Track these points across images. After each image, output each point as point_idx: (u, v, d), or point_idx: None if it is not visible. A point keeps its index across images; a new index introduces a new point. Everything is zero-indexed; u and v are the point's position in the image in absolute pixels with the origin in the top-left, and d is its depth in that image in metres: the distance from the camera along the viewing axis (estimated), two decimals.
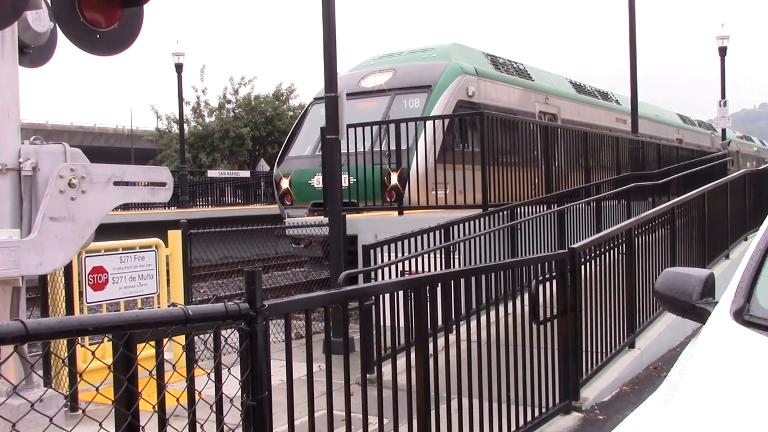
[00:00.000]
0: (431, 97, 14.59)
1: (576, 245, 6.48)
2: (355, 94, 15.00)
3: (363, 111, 14.49)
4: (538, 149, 13.73)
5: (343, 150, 13.24)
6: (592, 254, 6.92)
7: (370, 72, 16.17)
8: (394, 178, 12.87)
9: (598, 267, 6.98)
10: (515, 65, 18.95)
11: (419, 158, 13.23)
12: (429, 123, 13.27)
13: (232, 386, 2.73)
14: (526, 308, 5.80)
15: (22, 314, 4.95)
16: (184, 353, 2.61)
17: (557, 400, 6.09)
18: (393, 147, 13.11)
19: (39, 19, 5.90)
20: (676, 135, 29.52)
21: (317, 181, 14.80)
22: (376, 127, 13.31)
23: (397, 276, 7.70)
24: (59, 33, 5.81)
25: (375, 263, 7.89)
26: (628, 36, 19.46)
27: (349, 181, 12.80)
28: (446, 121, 13.81)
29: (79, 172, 5.05)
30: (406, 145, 12.92)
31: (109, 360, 2.42)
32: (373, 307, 4.50)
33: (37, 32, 5.96)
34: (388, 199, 12.71)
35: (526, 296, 5.82)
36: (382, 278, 7.59)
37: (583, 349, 6.47)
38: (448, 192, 12.70)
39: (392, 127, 12.83)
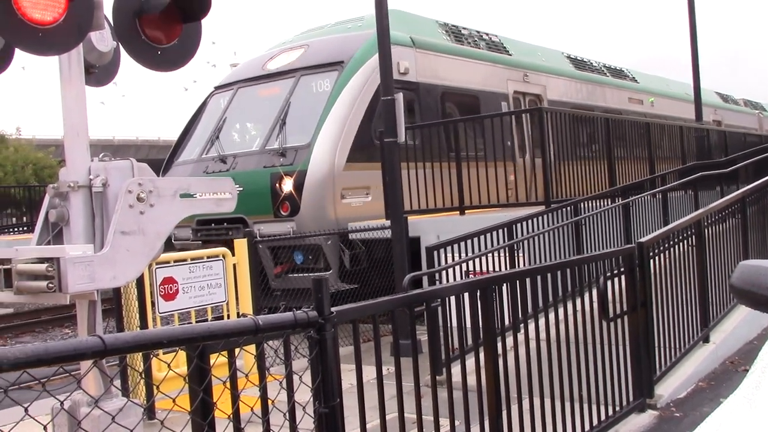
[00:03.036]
0: (341, 75, 11.73)
1: (644, 239, 6.34)
2: (258, 79, 12.89)
3: (264, 99, 12.40)
4: (600, 142, 12.75)
5: (227, 150, 11.94)
6: (661, 248, 6.76)
7: (280, 51, 13.39)
8: (288, 185, 10.79)
9: (667, 260, 6.82)
10: (485, 37, 16.04)
11: (318, 156, 10.89)
12: (336, 109, 11.08)
13: (303, 391, 2.76)
14: (595, 305, 5.70)
15: (99, 327, 5.09)
16: (255, 361, 2.64)
17: (631, 398, 5.97)
18: (287, 143, 11.17)
19: (102, 39, 6.06)
20: (712, 116, 25.13)
21: (203, 193, 13.29)
22: (269, 119, 11.56)
23: (461, 276, 7.66)
24: (122, 51, 5.97)
25: (438, 264, 7.87)
26: (688, 15, 18.44)
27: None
28: (362, 103, 11.40)
29: (146, 186, 5.17)
30: (308, 138, 10.94)
31: (183, 368, 2.47)
32: (440, 308, 4.49)
33: (101, 52, 6.12)
34: (283, 213, 10.78)
35: (593, 293, 5.72)
36: (446, 279, 7.56)
37: (656, 344, 6.33)
38: (369, 199, 11.18)
39: (290, 112, 11.05)
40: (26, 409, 1.83)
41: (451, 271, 7.66)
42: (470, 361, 4.53)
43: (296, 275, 10.66)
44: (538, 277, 5.13)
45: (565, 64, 18.56)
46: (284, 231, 10.68)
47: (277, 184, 10.86)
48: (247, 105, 12.88)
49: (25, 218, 23.15)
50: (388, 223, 9.74)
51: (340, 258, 10.54)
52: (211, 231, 11.46)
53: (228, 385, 2.48)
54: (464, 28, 15.66)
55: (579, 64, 19.42)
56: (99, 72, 6.53)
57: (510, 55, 16.14)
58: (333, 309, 2.68)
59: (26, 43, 4.95)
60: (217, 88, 13.85)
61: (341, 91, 11.52)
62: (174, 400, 2.16)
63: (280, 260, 10.72)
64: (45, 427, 1.94)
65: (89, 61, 5.79)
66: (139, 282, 6.33)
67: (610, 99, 19.32)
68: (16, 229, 21.69)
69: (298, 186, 10.66)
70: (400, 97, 8.88)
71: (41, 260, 4.87)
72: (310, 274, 10.14)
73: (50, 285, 4.74)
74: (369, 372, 3.63)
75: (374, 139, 11.19)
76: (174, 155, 13.49)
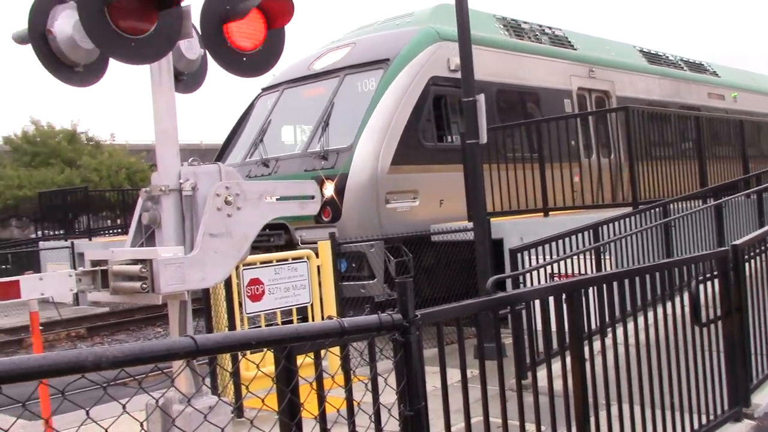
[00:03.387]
0: (386, 74, 11.07)
1: (738, 242, 6.10)
2: (304, 79, 12.38)
3: (309, 100, 11.91)
4: (690, 140, 12.14)
5: (270, 153, 11.61)
6: (757, 250, 6.49)
7: (327, 50, 12.87)
8: (330, 189, 10.30)
9: (763, 264, 6.54)
10: (547, 32, 15.15)
11: (359, 158, 10.33)
12: (379, 109, 10.44)
13: (388, 392, 2.76)
14: (686, 309, 5.52)
15: (189, 327, 5.24)
16: (341, 363, 2.67)
17: (725, 407, 5.74)
18: (329, 145, 10.59)
19: (191, 47, 6.24)
20: None
21: None
22: (313, 121, 11.04)
23: (545, 279, 7.54)
24: (209, 58, 6.13)
25: (522, 266, 7.77)
26: None
27: None
28: (408, 102, 10.71)
29: (233, 189, 5.29)
30: (351, 140, 10.39)
31: (270, 367, 2.52)
32: (524, 311, 4.43)
33: (189, 60, 6.31)
34: (324, 218, 10.22)
35: (684, 297, 5.54)
36: (531, 282, 7.46)
37: (752, 351, 6.07)
38: (417, 204, 10.63)
39: (333, 113, 10.50)
40: (124, 407, 1.89)
41: (534, 273, 7.55)
42: (556, 365, 4.45)
43: (341, 284, 10.36)
44: (626, 281, 5.00)
45: (637, 59, 17.66)
46: (322, 237, 10.46)
47: (323, 187, 10.40)
48: (292, 106, 12.48)
49: (119, 220, 24.06)
50: (469, 224, 9.69)
51: (386, 265, 9.97)
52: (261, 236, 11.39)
53: (314, 386, 2.51)
54: (525, 23, 14.96)
55: (653, 58, 18.46)
56: (188, 79, 6.72)
57: (574, 49, 15.40)
58: (417, 312, 2.68)
59: (120, 52, 5.14)
60: (264, 89, 13.45)
61: (385, 90, 10.91)
62: (263, 401, 2.20)
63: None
64: (142, 424, 2.00)
65: (178, 69, 5.97)
66: (227, 283, 6.48)
67: (687, 94, 18.37)
68: (110, 231, 22.55)
69: (340, 190, 10.18)
70: (481, 98, 8.82)
71: (135, 262, 5.05)
72: (355, 283, 9.89)
73: (144, 286, 4.91)
74: (452, 374, 3.61)
75: (422, 141, 10.89)
76: (219, 159, 12.72)
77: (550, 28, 15.65)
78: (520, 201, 11.08)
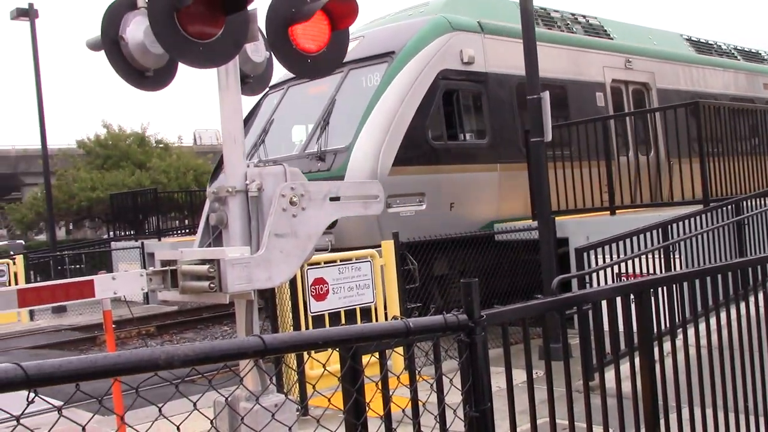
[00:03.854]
0: (390, 67, 10.33)
1: None
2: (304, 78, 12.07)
3: (312, 97, 11.21)
4: (763, 135, 11.48)
5: (270, 155, 10.78)
6: None
7: None
8: None
9: None
10: (581, 20, 14.14)
11: (357, 159, 9.61)
12: (381, 105, 9.72)
13: (453, 392, 2.76)
14: (761, 310, 5.35)
15: (256, 325, 5.33)
16: (405, 362, 2.68)
17: None
18: (327, 145, 9.92)
19: (257, 50, 6.35)
20: None
21: None
22: (314, 119, 10.29)
23: (612, 279, 7.41)
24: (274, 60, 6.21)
25: (588, 266, 7.65)
26: None
27: None
28: (414, 98, 9.95)
29: (298, 190, 5.36)
30: (349, 139, 9.72)
31: (334, 366, 2.54)
32: (590, 311, 4.37)
33: (255, 62, 6.42)
34: None
35: (759, 297, 5.37)
36: (597, 282, 7.34)
37: None
38: (424, 207, 9.83)
39: (334, 111, 9.76)
40: (195, 404, 1.94)
41: (601, 273, 7.43)
42: (624, 367, 4.37)
43: None
44: (697, 281, 4.88)
45: (682, 48, 16.69)
46: (323, 245, 9.64)
47: None
48: (295, 104, 11.89)
49: (186, 221, 24.60)
50: (534, 223, 9.58)
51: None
52: None
53: (379, 385, 2.52)
54: (555, 11, 14.09)
55: (702, 47, 17.49)
56: (253, 81, 6.84)
57: (610, 39, 14.47)
58: (483, 312, 2.67)
59: (188, 57, 5.26)
60: (271, 87, 12.55)
61: (388, 85, 10.13)
62: (329, 400, 2.22)
63: None
64: (212, 422, 2.04)
65: (244, 72, 6.08)
66: (292, 283, 6.56)
67: (741, 85, 17.23)
68: (179, 232, 23.06)
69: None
70: (546, 95, 8.71)
71: (203, 262, 5.17)
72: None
73: (211, 285, 5.02)
74: (517, 375, 3.58)
75: (430, 139, 10.13)
76: (221, 161, 12.83)
77: (584, 17, 14.76)
78: (586, 199, 10.91)
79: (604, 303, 4.24)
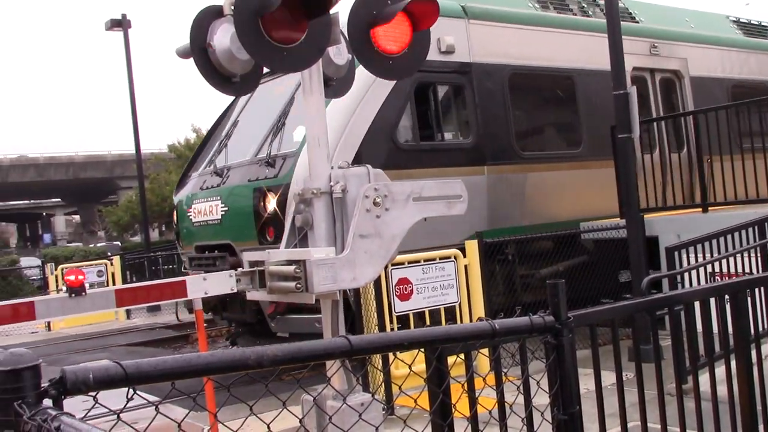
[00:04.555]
0: (351, 60, 9.44)
1: None
2: (273, 74, 10.43)
3: (276, 96, 10.16)
4: None
5: (230, 160, 9.88)
6: None
7: None
8: (272, 203, 8.46)
9: None
10: (600, 3, 11.95)
11: (304, 165, 8.73)
12: (336, 102, 8.32)
13: (540, 394, 2.73)
14: None
15: (341, 325, 5.39)
16: (490, 363, 2.66)
17: None
18: (278, 149, 8.94)
19: (339, 53, 6.42)
20: None
21: (198, 213, 9.86)
22: (272, 120, 9.39)
23: (706, 279, 7.17)
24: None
25: (679, 266, 7.42)
26: None
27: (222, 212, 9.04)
28: (377, 94, 8.77)
29: (382, 191, 5.40)
30: (299, 143, 8.59)
31: (420, 366, 2.55)
32: (683, 312, 4.23)
33: (338, 65, 6.50)
34: (268, 238, 8.52)
35: None
36: (689, 282, 7.11)
37: None
38: (389, 219, 8.64)
39: (292, 111, 8.78)
40: (284, 403, 1.98)
41: (694, 273, 7.19)
42: (719, 370, 4.22)
43: (296, 317, 8.51)
44: None
45: (726, 31, 14.77)
46: None
47: (261, 203, 8.67)
48: (261, 104, 10.89)
49: None
50: (621, 222, 9.35)
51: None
52: (201, 259, 9.77)
53: (465, 386, 2.52)
54: None
55: (751, 29, 15.50)
56: (336, 84, 6.92)
57: (636, 22, 12.81)
58: (570, 313, 2.63)
59: (273, 62, 5.37)
60: None
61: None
62: (416, 401, 2.23)
63: None
64: (301, 420, 2.08)
65: (327, 74, 6.16)
66: (377, 283, 6.61)
67: None
68: None
69: (281, 204, 8.28)
70: (633, 90, 8.49)
71: (289, 262, 5.27)
72: (306, 316, 8.21)
73: (298, 285, 5.11)
74: (606, 377, 3.50)
75: (398, 140, 8.96)
76: (191, 167, 11.48)
77: None
78: (676, 196, 10.56)
79: (697, 304, 4.11)
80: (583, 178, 10.71)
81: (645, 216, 9.23)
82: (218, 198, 9.36)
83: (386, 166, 7.94)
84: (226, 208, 9.21)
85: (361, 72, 8.94)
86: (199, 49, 6.25)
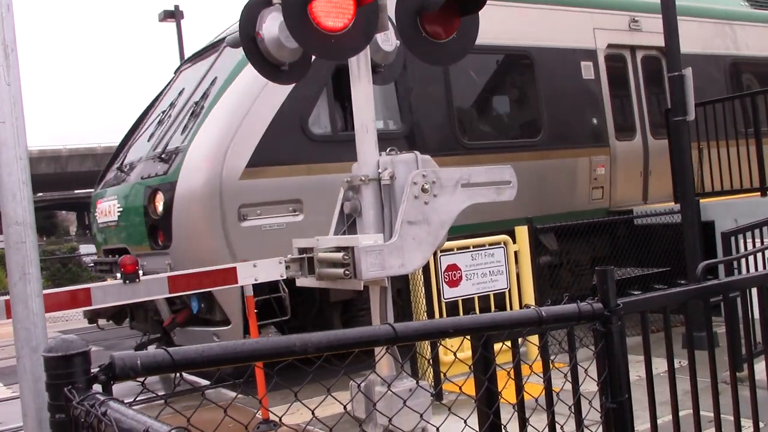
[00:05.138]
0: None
1: None
2: (200, 54, 9.72)
3: (190, 81, 9.22)
4: None
5: (140, 154, 8.96)
6: None
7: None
8: (161, 205, 7.68)
9: None
10: None
11: (193, 159, 7.57)
12: (233, 90, 7.79)
13: (588, 381, 2.70)
14: None
15: (390, 312, 5.41)
16: (539, 352, 2.64)
17: None
18: (173, 142, 8.15)
19: (387, 40, 6.41)
20: None
21: (101, 213, 9.07)
22: (176, 109, 8.57)
23: (764, 265, 6.98)
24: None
25: (736, 251, 7.24)
26: None
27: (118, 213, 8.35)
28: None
29: (430, 177, 5.38)
30: (190, 134, 7.88)
31: (467, 353, 2.54)
32: (739, 299, 4.13)
33: (386, 52, 6.48)
34: (160, 243, 7.77)
35: None
36: (746, 268, 6.93)
37: None
38: (300, 219, 7.64)
39: (193, 99, 8.04)
40: (329, 390, 1.99)
41: (751, 258, 7.00)
42: None
43: (195, 329, 7.86)
44: None
45: (726, 2, 13.06)
46: (162, 268, 7.58)
47: (151, 203, 7.85)
48: (177, 91, 9.78)
49: None
50: (676, 207, 9.16)
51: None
52: (103, 264, 9.14)
53: (512, 374, 2.50)
54: None
55: (761, 1, 13.78)
56: (384, 71, 6.90)
57: None
58: (620, 300, 2.59)
59: (321, 49, 5.39)
60: (187, 60, 10.42)
61: (247, 63, 7.96)
62: (461, 388, 2.23)
63: (178, 303, 7.76)
64: (345, 407, 2.09)
65: (375, 61, 6.15)
66: (425, 269, 6.60)
67: None
68: None
69: (169, 205, 7.51)
70: (689, 72, 8.28)
71: (338, 249, 5.30)
72: (204, 329, 7.72)
73: (346, 272, 5.14)
74: (657, 365, 3.44)
75: (309, 130, 7.93)
76: (113, 160, 10.39)
77: None
78: (734, 180, 10.25)
79: (754, 290, 4.00)
80: (543, 170, 9.60)
81: (700, 201, 9.02)
82: (115, 197, 8.64)
83: (296, 159, 7.67)
84: (121, 209, 8.46)
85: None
86: (248, 39, 6.30)
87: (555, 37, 9.89)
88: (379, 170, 5.53)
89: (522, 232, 7.82)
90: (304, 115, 7.91)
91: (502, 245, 7.21)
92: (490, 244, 7.15)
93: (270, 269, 5.63)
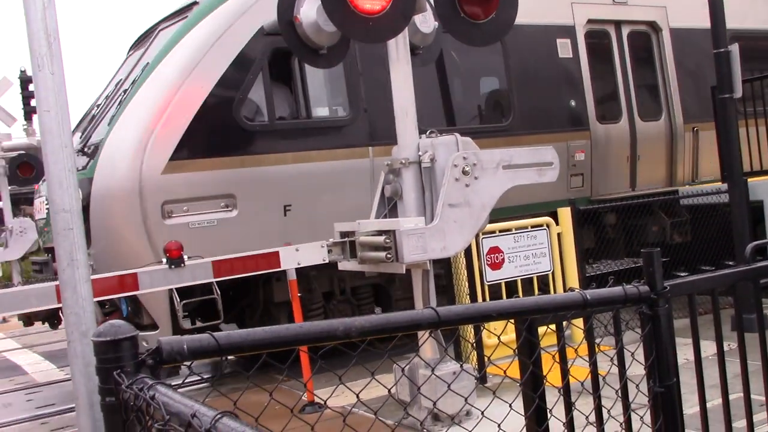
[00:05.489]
0: (183, 25, 7.63)
1: None
2: (143, 37, 9.08)
3: (129, 67, 8.58)
4: None
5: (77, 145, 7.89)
6: None
7: None
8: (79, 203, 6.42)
9: None
10: None
11: (109, 152, 7.00)
12: (156, 76, 7.21)
13: (635, 365, 2.66)
14: None
15: (432, 295, 5.41)
16: (584, 336, 2.61)
17: None
18: (96, 134, 7.58)
19: (425, 21, 6.37)
20: None
21: (37, 210, 8.60)
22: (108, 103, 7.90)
23: None
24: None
25: None
26: None
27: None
28: (216, 63, 7.30)
29: (471, 159, 5.35)
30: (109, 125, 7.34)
31: (511, 335, 2.53)
32: None
33: (424, 33, 6.44)
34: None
35: None
36: None
37: None
38: (234, 215, 7.12)
39: (122, 88, 7.52)
40: (373, 374, 1.99)
41: None
42: None
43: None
44: None
45: None
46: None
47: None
48: (117, 78, 9.03)
49: None
50: (723, 186, 8.96)
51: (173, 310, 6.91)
52: (36, 264, 8.73)
53: (557, 357, 2.48)
54: None
55: None
56: (423, 53, 6.86)
57: None
58: (666, 283, 2.54)
59: (358, 32, 5.37)
60: (136, 43, 9.51)
61: (173, 47, 7.40)
62: (505, 372, 2.21)
63: (108, 306, 7.33)
64: (389, 390, 2.10)
65: (414, 43, 6.12)
66: (467, 252, 6.57)
67: None
68: None
69: (87, 203, 6.84)
70: (735, 48, 8.07)
71: (379, 233, 5.31)
72: (142, 333, 6.82)
73: (388, 255, 5.15)
74: (705, 347, 3.38)
75: (241, 119, 7.33)
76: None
77: None
78: None
79: None
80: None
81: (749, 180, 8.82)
82: (44, 194, 8.07)
83: (227, 151, 7.08)
84: (48, 207, 7.92)
85: (193, 38, 7.32)
86: (286, 23, 6.33)
87: (527, 12, 8.29)
88: (420, 153, 5.51)
89: (565, 213, 7.74)
90: (237, 102, 7.30)
91: (545, 227, 7.14)
92: (532, 227, 7.09)
93: (312, 253, 5.67)
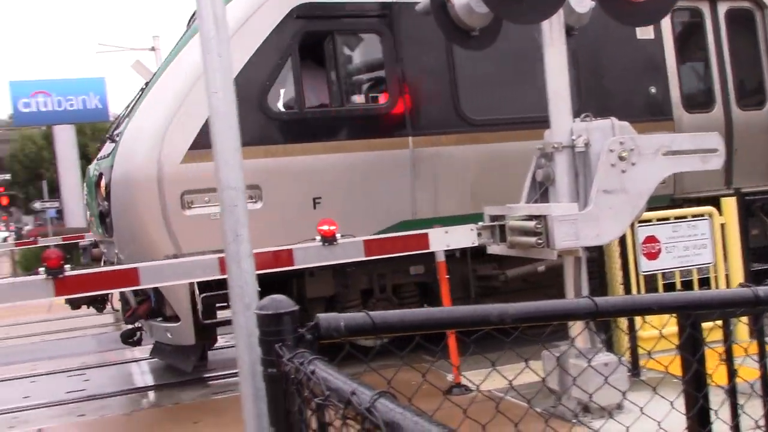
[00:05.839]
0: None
1: None
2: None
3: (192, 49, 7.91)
4: None
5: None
6: None
7: None
8: (104, 190, 7.14)
9: None
10: None
11: (129, 140, 6.83)
12: (179, 63, 6.94)
13: None
14: None
15: (584, 283, 5.26)
16: (750, 332, 2.45)
17: None
18: (122, 122, 7.40)
19: (581, 1, 6.16)
20: None
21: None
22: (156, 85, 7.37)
23: None
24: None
25: None
26: None
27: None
28: (244, 47, 6.84)
29: (628, 145, 5.15)
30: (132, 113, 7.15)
31: (669, 328, 2.41)
32: None
33: (579, 14, 6.23)
34: (108, 231, 7.24)
35: None
36: None
37: None
38: (260, 206, 6.74)
39: (165, 75, 7.14)
40: (527, 362, 1.96)
41: None
42: None
43: (154, 323, 7.34)
44: None
45: None
46: (112, 256, 7.42)
47: (98, 188, 7.37)
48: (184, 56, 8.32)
49: None
50: None
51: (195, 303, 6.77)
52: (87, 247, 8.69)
53: (723, 355, 2.34)
54: None
55: None
56: (578, 32, 6.64)
57: None
58: None
59: (512, 13, 5.29)
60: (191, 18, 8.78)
61: (196, 33, 6.71)
62: (666, 368, 2.11)
63: (140, 295, 7.27)
64: (543, 380, 2.06)
65: (569, 24, 5.94)
66: (622, 240, 6.35)
67: None
68: None
69: (108, 191, 6.93)
70: None
71: (530, 217, 5.22)
72: (161, 324, 7.19)
73: (539, 241, 5.06)
74: None
75: (268, 107, 7.02)
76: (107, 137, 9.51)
77: None
78: None
79: None
80: None
81: None
82: (86, 179, 8.37)
83: (251, 140, 6.55)
84: (86, 192, 8.18)
85: (216, 20, 6.80)
86: (438, 5, 6.30)
87: None
88: (573, 137, 5.35)
89: (729, 204, 7.28)
90: (263, 89, 6.99)
91: (707, 217, 6.76)
92: (692, 216, 6.73)
93: (461, 236, 5.66)
